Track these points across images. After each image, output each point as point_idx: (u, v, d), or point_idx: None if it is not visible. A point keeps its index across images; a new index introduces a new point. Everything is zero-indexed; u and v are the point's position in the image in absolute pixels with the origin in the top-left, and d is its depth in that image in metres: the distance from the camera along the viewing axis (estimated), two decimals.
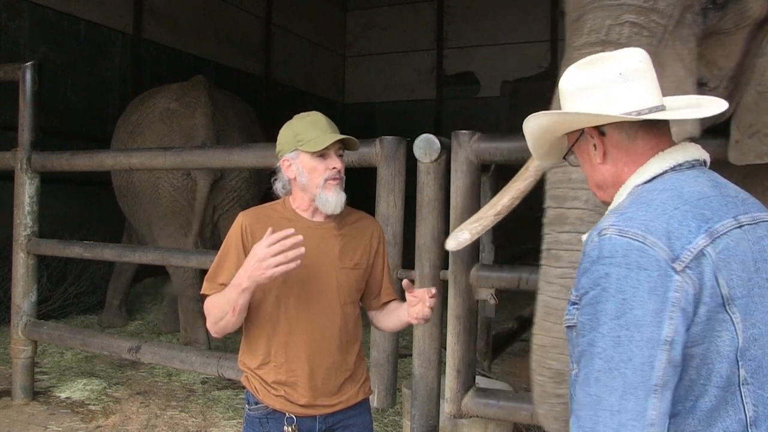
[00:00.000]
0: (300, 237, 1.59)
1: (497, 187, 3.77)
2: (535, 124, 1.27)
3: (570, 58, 1.64)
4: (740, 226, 1.07)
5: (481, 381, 2.84)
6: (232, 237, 1.80)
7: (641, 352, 0.97)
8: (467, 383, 2.60)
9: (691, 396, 1.02)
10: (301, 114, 1.82)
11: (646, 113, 1.13)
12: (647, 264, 0.99)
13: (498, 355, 4.26)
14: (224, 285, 1.74)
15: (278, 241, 1.57)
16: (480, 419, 2.70)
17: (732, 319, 1.01)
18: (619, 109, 1.14)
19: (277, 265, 1.57)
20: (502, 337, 4.20)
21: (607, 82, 1.16)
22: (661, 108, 1.16)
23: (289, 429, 1.76)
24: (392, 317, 1.90)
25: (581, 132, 1.22)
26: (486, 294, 2.57)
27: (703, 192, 1.09)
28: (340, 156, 1.79)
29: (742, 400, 1.02)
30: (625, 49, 1.21)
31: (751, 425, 1.02)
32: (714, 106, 1.19)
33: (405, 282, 1.75)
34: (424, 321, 1.76)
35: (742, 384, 1.02)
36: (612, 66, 1.16)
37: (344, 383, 1.83)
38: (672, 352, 0.98)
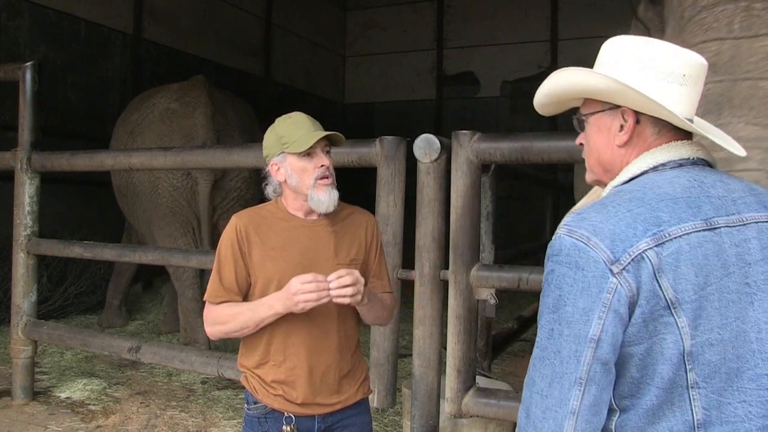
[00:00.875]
0: (329, 281, 1.65)
1: (497, 187, 3.78)
2: (573, 78, 1.19)
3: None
4: (712, 229, 1.05)
5: (481, 381, 2.84)
6: (227, 240, 1.80)
7: (568, 346, 1.03)
8: (467, 383, 2.60)
9: (636, 393, 1.05)
10: (283, 116, 1.81)
11: (688, 122, 1.13)
12: (585, 264, 1.03)
13: (498, 355, 4.26)
14: (230, 292, 1.77)
15: (313, 280, 1.63)
16: (480, 419, 2.70)
17: (677, 323, 1.02)
18: (673, 107, 1.12)
19: (307, 301, 1.64)
20: (502, 337, 4.20)
21: (670, 75, 1.13)
22: (690, 121, 1.16)
23: (288, 428, 1.76)
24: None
25: (612, 105, 1.17)
26: (486, 294, 2.57)
27: (672, 193, 1.08)
28: (328, 153, 1.79)
29: (691, 402, 1.03)
30: (695, 54, 1.17)
31: (698, 427, 1.03)
32: (736, 144, 1.21)
33: None
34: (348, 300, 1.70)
35: (691, 387, 1.03)
36: (681, 63, 1.14)
37: (343, 382, 1.83)
38: (599, 350, 1.01)
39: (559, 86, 1.22)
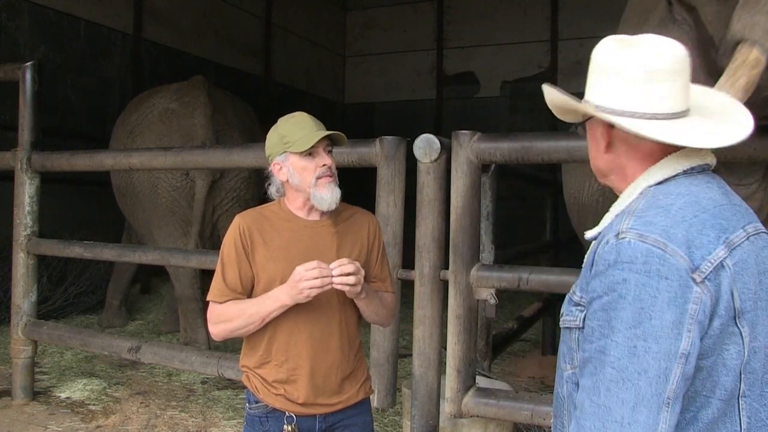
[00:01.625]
0: (332, 268, 1.67)
1: (497, 187, 3.78)
2: (549, 95, 1.22)
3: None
4: (748, 237, 1.05)
5: (481, 381, 2.84)
6: (230, 240, 1.80)
7: (657, 364, 0.94)
8: (467, 383, 2.60)
9: (692, 407, 1.00)
10: (286, 116, 1.83)
11: (662, 118, 1.08)
12: (668, 273, 0.95)
13: (498, 355, 4.26)
14: (234, 291, 1.78)
15: (317, 267, 1.65)
16: (480, 419, 2.70)
17: (741, 333, 1.00)
18: (637, 107, 1.08)
19: (312, 288, 1.65)
20: (502, 337, 4.20)
21: (632, 76, 1.09)
22: (683, 114, 1.10)
23: (289, 428, 1.77)
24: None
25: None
26: (486, 294, 2.57)
27: (718, 200, 1.06)
28: (329, 152, 1.80)
29: (739, 412, 1.01)
30: (669, 43, 1.11)
31: None
32: (737, 127, 1.11)
33: None
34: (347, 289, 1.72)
35: (741, 396, 1.01)
36: (645, 59, 1.09)
37: (344, 382, 1.83)
38: (687, 365, 0.95)
39: (549, 101, 1.23)
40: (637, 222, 1.01)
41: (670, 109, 1.09)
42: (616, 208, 1.14)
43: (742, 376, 1.00)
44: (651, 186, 1.10)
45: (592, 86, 1.15)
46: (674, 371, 0.94)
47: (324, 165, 1.76)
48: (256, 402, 1.82)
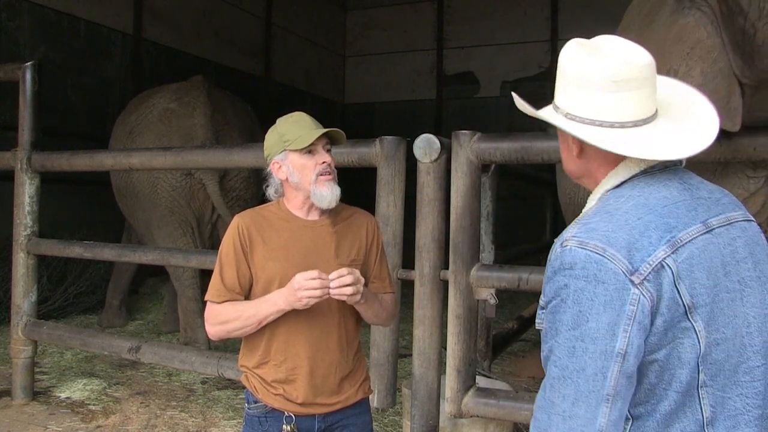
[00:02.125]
0: (331, 278, 1.67)
1: (497, 187, 3.78)
2: (519, 105, 1.26)
3: None
4: (710, 231, 1.07)
5: (481, 381, 2.84)
6: (228, 240, 1.81)
7: (594, 363, 0.99)
8: (467, 383, 2.60)
9: (651, 399, 1.04)
10: (285, 116, 1.84)
11: (630, 126, 1.10)
12: (605, 277, 1.00)
13: (498, 355, 4.26)
14: (232, 291, 1.78)
15: (317, 277, 1.65)
16: (480, 419, 2.70)
17: (694, 327, 1.02)
18: (604, 116, 1.10)
19: (311, 297, 1.65)
20: (502, 337, 4.20)
21: (600, 85, 1.10)
22: (650, 119, 1.12)
23: (288, 428, 1.77)
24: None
25: None
26: (486, 294, 2.57)
27: (671, 197, 1.08)
28: (328, 150, 1.81)
29: (700, 401, 1.04)
30: (636, 50, 1.13)
31: (707, 425, 1.04)
32: (701, 133, 1.12)
33: None
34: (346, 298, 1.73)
35: (701, 387, 1.04)
36: (613, 67, 1.10)
37: (343, 382, 1.83)
38: (625, 363, 0.99)
39: (521, 109, 1.26)
40: (581, 229, 1.06)
41: (637, 117, 1.11)
42: (581, 215, 1.17)
43: (701, 367, 1.03)
44: (609, 190, 1.13)
45: (559, 92, 1.17)
46: (612, 369, 0.99)
47: (324, 162, 1.76)
48: (255, 402, 1.82)
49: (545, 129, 1.28)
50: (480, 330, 3.46)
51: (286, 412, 1.78)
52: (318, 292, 1.65)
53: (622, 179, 1.13)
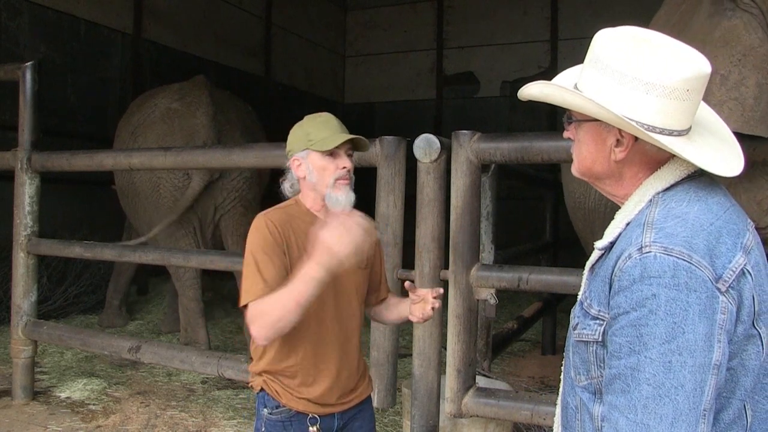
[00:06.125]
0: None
1: (497, 187, 3.78)
2: (554, 96, 1.13)
3: None
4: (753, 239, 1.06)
5: (481, 381, 2.84)
6: (260, 239, 1.70)
7: (693, 378, 0.94)
8: (467, 383, 2.60)
9: (716, 408, 1.01)
10: (312, 114, 1.83)
11: (685, 134, 1.05)
12: (696, 285, 0.94)
13: (498, 355, 4.26)
14: (277, 287, 1.60)
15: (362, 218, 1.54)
16: (480, 419, 2.70)
17: (759, 334, 1.00)
18: (666, 124, 1.03)
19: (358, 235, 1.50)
20: (502, 337, 4.20)
21: (672, 91, 1.02)
22: (685, 132, 1.07)
23: (314, 429, 1.77)
24: (392, 312, 1.94)
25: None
26: (486, 294, 2.57)
27: (723, 203, 1.05)
28: (350, 156, 1.80)
29: (745, 407, 1.03)
30: (701, 62, 1.04)
31: (749, 429, 1.03)
32: (733, 160, 1.08)
33: (407, 284, 1.77)
34: (424, 320, 1.81)
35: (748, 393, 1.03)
36: (685, 77, 1.01)
37: (359, 381, 1.88)
38: (719, 375, 0.96)
39: (543, 95, 1.16)
40: (659, 234, 0.99)
41: (689, 124, 1.07)
42: (623, 217, 1.10)
43: (761, 374, 1.02)
44: (659, 192, 1.07)
45: (606, 90, 1.06)
46: (709, 383, 0.95)
47: (344, 167, 1.76)
48: (278, 407, 1.78)
49: (560, 125, 1.12)
50: (480, 330, 3.45)
51: (310, 414, 1.77)
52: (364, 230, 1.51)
53: (671, 182, 1.07)
